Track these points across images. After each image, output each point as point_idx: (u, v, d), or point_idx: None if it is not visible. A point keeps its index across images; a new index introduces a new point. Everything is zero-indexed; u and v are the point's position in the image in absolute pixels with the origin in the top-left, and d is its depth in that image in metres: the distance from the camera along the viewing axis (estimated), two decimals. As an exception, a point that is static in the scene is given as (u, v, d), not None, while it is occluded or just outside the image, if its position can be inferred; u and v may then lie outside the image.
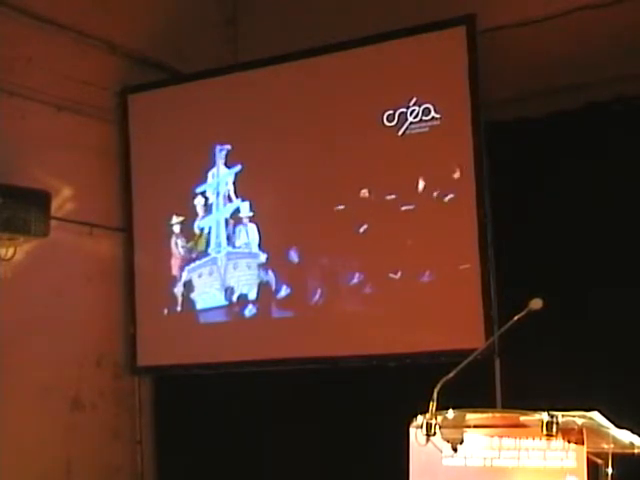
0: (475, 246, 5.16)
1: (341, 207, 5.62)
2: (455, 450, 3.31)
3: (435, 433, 3.29)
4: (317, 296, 5.67)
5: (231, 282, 5.96)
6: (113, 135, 6.19)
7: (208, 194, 6.09)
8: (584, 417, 3.14)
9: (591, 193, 5.08)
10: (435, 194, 5.35)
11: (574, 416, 3.13)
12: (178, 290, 6.11)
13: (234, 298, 5.94)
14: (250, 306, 5.89)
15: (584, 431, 3.10)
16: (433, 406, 3.29)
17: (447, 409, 3.30)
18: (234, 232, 5.98)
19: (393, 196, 5.45)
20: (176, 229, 6.14)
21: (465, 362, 3.42)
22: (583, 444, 3.10)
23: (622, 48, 5.18)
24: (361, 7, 5.98)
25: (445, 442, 3.32)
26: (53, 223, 5.41)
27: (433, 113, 5.36)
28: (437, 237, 5.35)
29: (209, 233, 6.08)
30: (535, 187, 5.24)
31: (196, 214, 6.10)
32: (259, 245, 5.89)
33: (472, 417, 3.32)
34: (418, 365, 5.12)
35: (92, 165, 6.03)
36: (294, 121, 5.82)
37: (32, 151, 5.53)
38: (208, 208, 6.08)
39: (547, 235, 5.17)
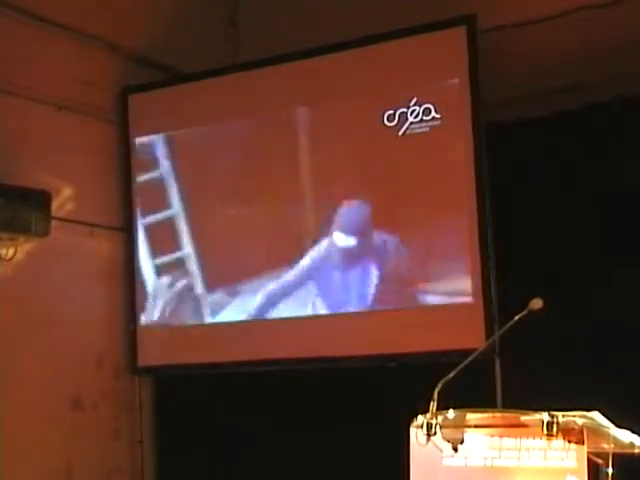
0: (476, 246, 5.16)
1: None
2: (455, 450, 3.31)
3: (435, 433, 3.28)
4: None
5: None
6: (113, 135, 6.19)
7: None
8: (584, 417, 3.13)
9: (592, 193, 5.08)
10: (435, 194, 5.36)
11: (574, 416, 3.13)
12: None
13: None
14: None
15: (584, 431, 3.10)
16: (433, 406, 3.29)
17: (447, 409, 3.30)
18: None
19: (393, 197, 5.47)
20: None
21: (465, 362, 3.42)
22: (583, 444, 3.10)
23: (622, 48, 5.18)
24: (361, 7, 5.98)
25: (445, 442, 3.32)
26: (53, 223, 5.40)
27: (433, 113, 5.36)
28: (438, 237, 5.35)
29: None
30: (535, 187, 5.23)
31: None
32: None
33: (472, 417, 3.32)
34: (418, 365, 5.12)
35: (92, 165, 6.02)
36: (293, 121, 5.82)
37: (32, 151, 5.52)
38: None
39: (547, 235, 5.16)
